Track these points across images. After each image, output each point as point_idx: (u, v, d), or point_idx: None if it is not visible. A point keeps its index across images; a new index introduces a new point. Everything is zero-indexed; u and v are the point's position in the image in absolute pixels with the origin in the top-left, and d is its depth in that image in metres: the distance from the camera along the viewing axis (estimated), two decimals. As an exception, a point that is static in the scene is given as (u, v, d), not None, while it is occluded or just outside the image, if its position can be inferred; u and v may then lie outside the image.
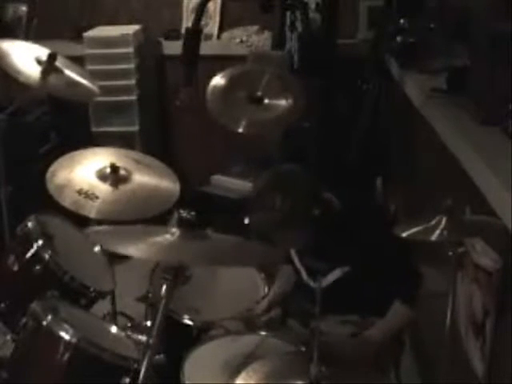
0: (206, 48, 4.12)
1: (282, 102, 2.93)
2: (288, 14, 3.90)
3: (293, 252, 2.35)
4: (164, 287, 1.81)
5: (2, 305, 2.39)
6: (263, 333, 2.19)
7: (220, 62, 3.65)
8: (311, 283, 2.29)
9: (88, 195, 2.33)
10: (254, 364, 1.78)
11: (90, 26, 4.44)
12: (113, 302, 2.70)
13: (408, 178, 3.36)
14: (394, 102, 3.57)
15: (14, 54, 2.78)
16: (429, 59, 3.06)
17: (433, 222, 1.75)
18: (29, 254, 2.41)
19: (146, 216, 2.35)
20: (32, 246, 2.41)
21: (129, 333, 1.88)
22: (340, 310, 2.23)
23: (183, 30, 4.29)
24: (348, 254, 2.21)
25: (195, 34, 3.86)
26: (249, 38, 4.49)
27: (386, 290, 2.17)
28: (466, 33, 2.73)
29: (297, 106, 2.91)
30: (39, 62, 2.77)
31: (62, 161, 2.49)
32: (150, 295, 2.29)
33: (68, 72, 2.86)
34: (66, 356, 2.03)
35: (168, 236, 1.77)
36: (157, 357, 1.87)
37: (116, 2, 4.66)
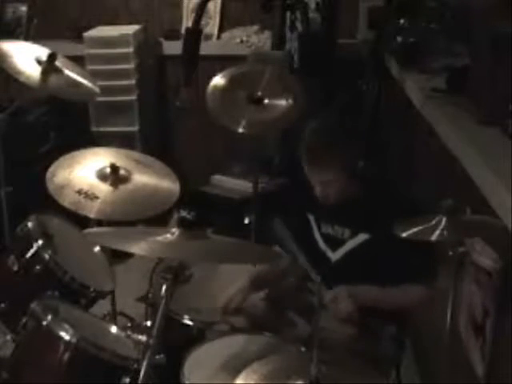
0: (206, 48, 4.12)
1: (282, 102, 2.93)
2: (288, 13, 3.90)
3: (312, 219, 2.35)
4: (164, 287, 1.81)
5: (2, 305, 2.39)
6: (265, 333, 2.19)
7: (220, 62, 3.65)
8: (328, 252, 2.30)
9: (88, 195, 2.33)
10: (254, 364, 1.77)
11: (90, 26, 4.44)
12: (113, 302, 2.70)
13: (408, 178, 3.35)
14: (394, 102, 3.57)
15: (14, 55, 2.78)
16: (429, 59, 3.06)
17: (433, 222, 1.75)
18: (29, 254, 2.41)
19: (146, 216, 2.35)
20: (32, 246, 2.41)
21: (129, 333, 1.88)
22: (353, 282, 2.21)
23: (183, 30, 4.30)
24: (369, 223, 2.22)
25: (195, 34, 3.86)
26: (249, 38, 4.49)
27: (403, 267, 2.15)
28: (466, 33, 2.73)
29: (297, 106, 2.91)
30: (39, 62, 2.77)
31: (62, 161, 2.49)
32: (150, 295, 2.30)
33: (68, 72, 2.86)
34: (66, 356, 2.03)
35: (168, 235, 1.77)
36: (157, 357, 1.88)
37: (116, 2, 4.66)
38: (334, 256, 2.30)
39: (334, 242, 2.29)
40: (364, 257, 2.22)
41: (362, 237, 2.23)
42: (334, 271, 2.23)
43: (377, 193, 2.25)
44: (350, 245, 2.26)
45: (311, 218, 2.35)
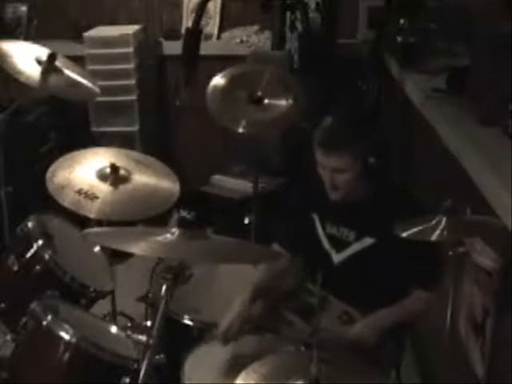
0: (206, 48, 4.12)
1: (282, 102, 2.93)
2: (288, 13, 3.90)
3: (317, 219, 2.34)
4: (164, 287, 1.81)
5: (2, 305, 2.39)
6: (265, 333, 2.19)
7: (220, 62, 3.65)
8: (332, 253, 2.30)
9: (88, 195, 2.33)
10: (254, 364, 1.77)
11: (90, 26, 4.44)
12: (113, 302, 2.70)
13: (408, 178, 3.35)
14: (394, 102, 3.57)
15: (14, 55, 2.78)
16: (429, 59, 3.06)
17: (433, 222, 1.75)
18: (29, 254, 2.41)
19: (146, 216, 2.35)
20: (32, 246, 2.41)
21: (129, 333, 1.88)
22: (356, 285, 2.20)
23: (183, 30, 4.30)
24: (375, 227, 2.20)
25: (195, 34, 3.86)
26: (249, 38, 4.49)
27: (407, 272, 2.14)
28: (466, 33, 2.73)
29: (297, 106, 2.91)
30: (39, 62, 2.77)
31: (62, 161, 2.49)
32: (150, 295, 2.29)
33: (68, 72, 2.86)
34: (66, 356, 2.03)
35: (168, 235, 1.77)
36: (157, 357, 1.88)
37: (116, 2, 4.66)
38: (338, 258, 2.29)
39: (339, 244, 2.28)
40: (368, 261, 2.21)
41: (368, 241, 2.22)
42: (336, 273, 2.22)
43: (384, 196, 2.23)
44: (355, 248, 2.25)
45: (316, 217, 2.34)
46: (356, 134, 2.17)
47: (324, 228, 2.32)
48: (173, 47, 4.35)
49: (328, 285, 1.94)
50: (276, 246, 2.37)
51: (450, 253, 1.85)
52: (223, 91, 2.96)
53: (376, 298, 2.19)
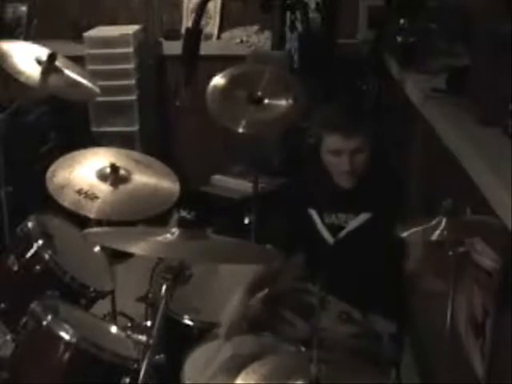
0: (206, 48, 4.12)
1: (282, 102, 2.93)
2: (288, 13, 3.90)
3: (314, 214, 2.37)
4: (164, 287, 1.81)
5: (2, 305, 2.39)
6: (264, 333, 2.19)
7: (220, 62, 3.65)
8: (330, 239, 2.33)
9: (88, 195, 2.33)
10: (254, 364, 1.77)
11: (90, 26, 4.44)
12: (113, 302, 2.70)
13: (408, 178, 3.35)
14: (394, 102, 3.57)
15: (14, 55, 2.78)
16: (429, 59, 3.06)
17: (433, 222, 1.76)
18: (29, 254, 2.41)
19: (146, 216, 2.35)
20: (32, 246, 2.41)
21: (129, 333, 1.88)
22: (353, 264, 2.24)
23: (183, 30, 4.30)
24: (370, 204, 2.27)
25: (195, 34, 3.86)
26: (249, 38, 4.49)
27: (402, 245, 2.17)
28: (466, 33, 2.73)
29: (297, 106, 2.91)
30: (39, 62, 2.77)
31: (62, 161, 2.49)
32: (150, 295, 2.30)
33: (68, 72, 2.86)
34: (66, 356, 2.03)
35: (168, 235, 1.77)
36: (157, 357, 1.88)
37: (116, 2, 4.66)
38: (335, 239, 2.32)
39: (338, 228, 2.33)
40: (364, 236, 2.26)
41: (363, 217, 2.28)
42: (332, 252, 2.26)
43: (382, 178, 2.30)
44: (352, 225, 2.30)
45: (313, 212, 2.37)
46: (363, 113, 2.30)
47: (322, 219, 2.35)
48: (173, 47, 4.35)
49: (326, 266, 1.95)
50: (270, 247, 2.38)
51: (450, 253, 1.85)
52: (223, 91, 2.96)
53: (374, 278, 2.20)
